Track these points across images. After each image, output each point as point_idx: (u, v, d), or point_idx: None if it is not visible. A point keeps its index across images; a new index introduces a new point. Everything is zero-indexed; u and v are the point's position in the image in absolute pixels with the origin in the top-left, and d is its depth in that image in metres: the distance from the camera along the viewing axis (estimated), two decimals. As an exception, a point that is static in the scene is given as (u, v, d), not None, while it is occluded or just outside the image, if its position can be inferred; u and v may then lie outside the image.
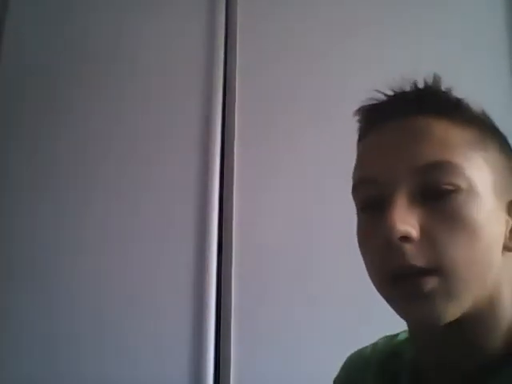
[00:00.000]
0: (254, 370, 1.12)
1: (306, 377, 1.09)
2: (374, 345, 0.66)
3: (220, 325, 1.16)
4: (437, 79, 0.53)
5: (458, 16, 1.36)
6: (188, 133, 1.28)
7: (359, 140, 0.55)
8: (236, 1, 1.35)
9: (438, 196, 0.47)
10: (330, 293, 1.14)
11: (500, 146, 0.52)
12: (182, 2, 1.38)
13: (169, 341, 1.15)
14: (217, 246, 1.20)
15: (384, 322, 0.94)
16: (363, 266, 0.52)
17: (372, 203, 0.50)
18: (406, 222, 0.46)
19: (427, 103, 0.50)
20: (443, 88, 0.53)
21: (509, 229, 0.50)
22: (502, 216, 0.49)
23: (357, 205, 0.53)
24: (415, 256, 0.46)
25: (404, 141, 0.49)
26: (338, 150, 1.14)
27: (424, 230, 0.46)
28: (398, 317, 0.50)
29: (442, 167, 0.47)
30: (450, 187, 0.47)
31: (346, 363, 0.69)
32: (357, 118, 0.55)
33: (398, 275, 0.47)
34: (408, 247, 0.46)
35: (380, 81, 0.54)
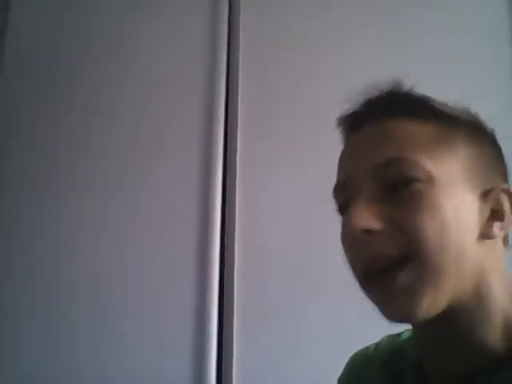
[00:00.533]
0: (256, 369, 1.12)
1: (308, 376, 1.09)
2: (377, 344, 0.66)
3: (222, 325, 1.16)
4: (398, 82, 0.56)
5: (458, 15, 1.36)
6: (190, 133, 1.28)
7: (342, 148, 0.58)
8: (239, 0, 1.35)
9: (398, 189, 0.49)
10: (331, 292, 1.14)
11: (473, 137, 0.53)
12: (184, 2, 1.38)
13: (170, 341, 1.15)
14: (219, 245, 1.20)
15: (385, 322, 0.94)
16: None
17: (344, 205, 0.53)
18: (366, 216, 0.48)
19: (389, 106, 0.53)
20: (405, 89, 0.55)
21: (485, 217, 0.50)
22: (475, 204, 0.50)
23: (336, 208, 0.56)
24: (382, 246, 0.48)
25: (367, 143, 0.52)
26: (339, 149, 1.16)
27: (389, 222, 0.48)
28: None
29: (399, 162, 0.49)
30: (408, 179, 0.49)
31: (349, 363, 0.69)
32: (340, 129, 0.59)
33: (370, 272, 0.49)
34: (372, 239, 0.48)
35: (380, 80, 0.56)
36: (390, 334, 0.65)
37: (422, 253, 0.47)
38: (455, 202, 0.49)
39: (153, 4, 1.37)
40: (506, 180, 0.55)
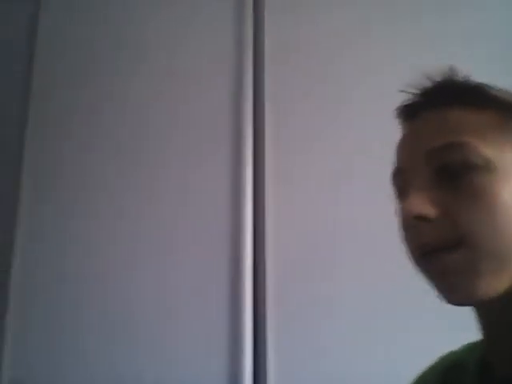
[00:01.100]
0: (292, 371, 1.12)
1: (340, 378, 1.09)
2: (432, 365, 0.65)
3: (257, 323, 1.15)
4: (453, 70, 0.56)
5: (476, 14, 1.34)
6: (218, 136, 1.29)
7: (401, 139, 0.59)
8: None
9: (455, 175, 0.50)
10: (361, 292, 1.14)
11: None
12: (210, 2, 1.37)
13: (206, 344, 1.16)
14: (251, 246, 1.20)
15: (424, 325, 0.90)
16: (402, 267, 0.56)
17: (401, 191, 0.55)
18: (421, 203, 0.49)
19: (446, 95, 0.53)
20: (460, 77, 0.56)
21: None
22: None
23: (394, 193, 0.57)
24: (436, 234, 0.49)
25: (424, 130, 0.53)
26: (371, 149, 1.18)
27: (444, 209, 0.49)
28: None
29: (456, 147, 0.50)
30: (465, 165, 0.49)
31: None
32: (399, 120, 0.59)
33: (425, 253, 0.50)
34: (426, 226, 0.49)
35: (433, 69, 0.57)
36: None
37: (475, 242, 0.48)
38: None
39: (178, 4, 1.38)
40: None
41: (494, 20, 1.32)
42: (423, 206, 0.49)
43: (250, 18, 1.34)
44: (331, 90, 1.27)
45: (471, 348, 0.59)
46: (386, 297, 1.10)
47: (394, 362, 1.04)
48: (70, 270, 1.28)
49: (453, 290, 0.48)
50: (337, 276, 1.15)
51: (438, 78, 0.55)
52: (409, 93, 0.57)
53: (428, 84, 0.56)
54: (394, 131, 0.57)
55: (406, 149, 0.55)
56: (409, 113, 0.57)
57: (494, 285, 0.47)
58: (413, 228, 0.50)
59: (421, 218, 0.49)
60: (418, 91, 0.56)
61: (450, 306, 0.50)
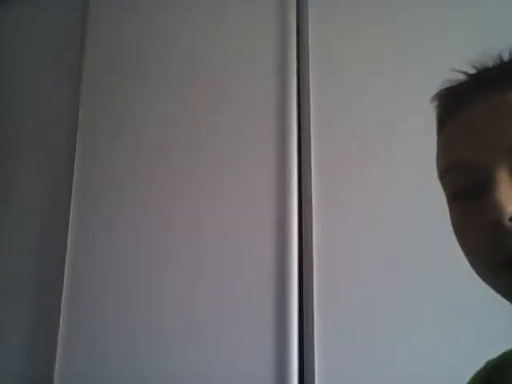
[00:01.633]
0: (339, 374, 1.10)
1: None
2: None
3: (302, 321, 1.15)
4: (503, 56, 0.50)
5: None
6: (263, 134, 1.29)
7: (441, 126, 0.53)
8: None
9: None
10: (412, 293, 1.10)
11: None
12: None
13: (252, 340, 1.16)
14: (297, 242, 1.19)
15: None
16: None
17: (465, 190, 0.48)
18: None
19: (507, 78, 0.47)
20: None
21: None
22: None
23: (447, 193, 0.51)
24: None
25: (494, 120, 0.46)
26: (420, 144, 1.13)
27: None
28: None
29: None
30: None
31: None
32: (435, 104, 0.53)
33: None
34: None
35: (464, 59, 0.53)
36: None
37: None
38: None
39: (222, 3, 1.39)
40: None
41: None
42: None
43: (293, 17, 1.33)
44: (378, 87, 1.23)
45: None
46: (439, 297, 1.06)
47: (444, 362, 1.01)
48: (118, 273, 1.33)
49: None
50: (387, 276, 1.11)
51: (504, 58, 0.49)
52: (463, 73, 0.51)
53: (489, 64, 0.50)
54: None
55: (472, 141, 0.47)
56: (461, 97, 0.50)
57: None
58: (505, 231, 0.43)
59: None
60: (475, 71, 0.51)
61: (500, 309, 0.47)
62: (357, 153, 1.20)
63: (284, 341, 1.14)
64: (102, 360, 1.28)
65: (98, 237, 1.37)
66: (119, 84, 1.43)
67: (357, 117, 1.23)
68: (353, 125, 1.22)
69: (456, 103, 0.50)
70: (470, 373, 0.57)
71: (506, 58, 0.50)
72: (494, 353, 0.56)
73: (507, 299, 0.46)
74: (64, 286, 1.35)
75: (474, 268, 0.48)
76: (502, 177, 0.44)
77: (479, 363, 0.57)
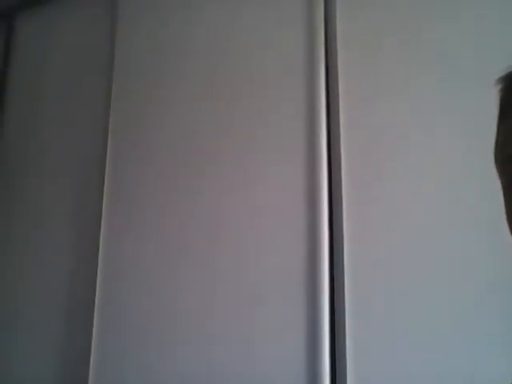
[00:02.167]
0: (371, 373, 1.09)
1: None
2: None
3: (334, 327, 1.14)
4: None
5: None
6: (292, 134, 1.28)
7: (505, 111, 0.49)
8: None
9: None
10: (453, 290, 1.07)
11: None
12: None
13: (284, 345, 1.16)
14: (328, 248, 1.18)
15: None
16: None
17: None
18: None
19: None
20: None
21: None
22: None
23: (505, 181, 0.49)
24: None
25: None
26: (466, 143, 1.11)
27: None
28: None
29: None
30: None
31: None
32: (499, 88, 0.49)
33: None
34: None
35: None
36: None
37: None
38: None
39: (250, 4, 1.40)
40: None
41: None
42: None
43: (321, 15, 1.32)
44: (407, 85, 1.19)
45: None
46: (475, 296, 1.04)
47: (473, 365, 0.99)
48: (147, 274, 1.35)
49: None
50: (418, 275, 1.09)
51: None
52: None
53: None
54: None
55: None
56: None
57: None
58: None
59: None
60: None
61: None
62: (387, 150, 1.18)
63: (315, 340, 1.13)
64: (136, 359, 1.30)
65: (127, 238, 1.39)
66: (149, 85, 1.46)
67: (386, 110, 1.20)
68: (382, 118, 1.20)
69: None
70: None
71: None
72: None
73: None
74: (97, 288, 1.38)
75: None
76: None
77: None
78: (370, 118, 1.21)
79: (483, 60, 1.12)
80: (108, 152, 1.47)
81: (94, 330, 1.35)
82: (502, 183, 0.50)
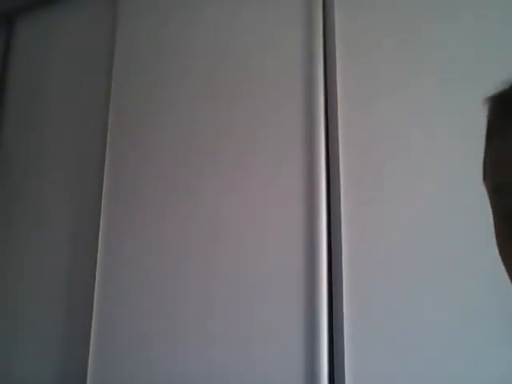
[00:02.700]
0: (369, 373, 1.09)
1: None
2: None
3: (332, 326, 1.14)
4: None
5: None
6: (290, 135, 1.28)
7: (492, 133, 0.47)
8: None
9: None
10: (453, 290, 1.07)
11: None
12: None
13: (282, 344, 1.16)
14: (326, 248, 1.18)
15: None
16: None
17: None
18: None
19: None
20: None
21: None
22: None
23: (497, 211, 0.47)
24: None
25: None
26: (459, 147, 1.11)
27: None
28: None
29: None
30: None
31: None
32: (486, 109, 0.47)
33: None
34: None
35: None
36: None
37: None
38: None
39: (249, 5, 1.40)
40: None
41: None
42: None
43: (320, 15, 1.32)
44: (406, 85, 1.18)
45: None
46: (469, 300, 1.03)
47: (473, 365, 0.99)
48: (146, 273, 1.35)
49: None
50: (417, 274, 1.08)
51: None
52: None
53: None
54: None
55: None
56: None
57: None
58: None
59: None
60: None
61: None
62: (386, 150, 1.18)
63: (313, 340, 1.13)
64: (135, 359, 1.29)
65: (127, 238, 1.40)
66: (148, 85, 1.46)
67: (385, 111, 1.20)
68: (381, 118, 1.20)
69: None
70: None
71: None
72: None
73: None
74: (96, 288, 1.39)
75: None
76: None
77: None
78: (368, 117, 1.21)
79: (483, 60, 1.12)
80: (107, 152, 1.47)
81: (92, 330, 1.35)
82: (492, 205, 0.49)
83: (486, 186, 0.48)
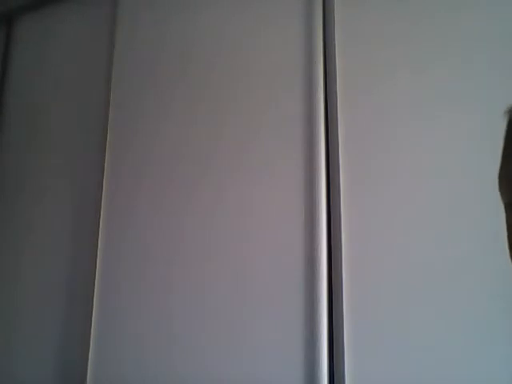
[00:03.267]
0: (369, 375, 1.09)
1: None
2: None
3: (332, 326, 1.14)
4: None
5: None
6: (290, 134, 1.28)
7: (509, 150, 0.49)
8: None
9: None
10: (454, 288, 1.07)
11: None
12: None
13: (282, 347, 1.16)
14: (326, 248, 1.18)
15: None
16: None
17: None
18: None
19: None
20: None
21: None
22: None
23: (506, 203, 0.48)
24: None
25: None
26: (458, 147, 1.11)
27: None
28: None
29: None
30: None
31: None
32: (506, 120, 0.48)
33: None
34: None
35: None
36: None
37: None
38: None
39: (251, 5, 1.40)
40: None
41: None
42: None
43: (320, 15, 1.32)
44: (406, 85, 1.18)
45: None
46: (469, 299, 1.03)
47: (472, 365, 0.99)
48: (149, 273, 1.35)
49: None
50: (418, 271, 1.08)
51: None
52: None
53: None
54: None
55: None
56: None
57: None
58: None
59: None
60: None
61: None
62: (384, 139, 1.18)
63: (313, 341, 1.13)
64: (133, 360, 1.29)
65: (126, 238, 1.40)
66: (148, 85, 1.47)
67: (384, 101, 1.20)
68: (381, 117, 1.20)
69: None
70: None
71: None
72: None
73: None
74: (95, 288, 1.39)
75: None
76: None
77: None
78: (368, 117, 1.21)
79: (483, 60, 1.12)
80: (107, 152, 1.47)
81: (92, 329, 1.35)
82: (503, 201, 0.49)
83: (501, 197, 0.49)
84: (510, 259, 0.47)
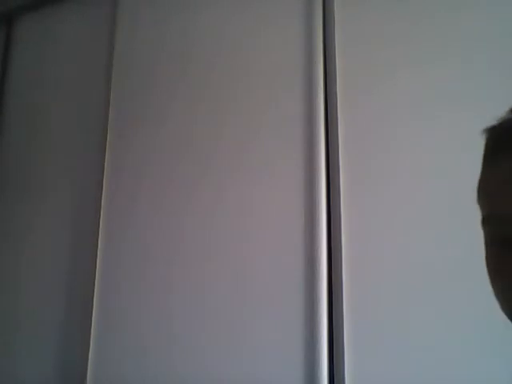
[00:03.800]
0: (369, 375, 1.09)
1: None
2: None
3: (332, 327, 1.14)
4: None
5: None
6: (290, 135, 1.28)
7: (488, 163, 0.47)
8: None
9: None
10: (455, 288, 1.07)
11: None
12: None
13: (282, 348, 1.16)
14: (326, 248, 1.18)
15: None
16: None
17: (508, 240, 0.43)
18: None
19: None
20: None
21: None
22: None
23: (487, 236, 0.48)
24: None
25: None
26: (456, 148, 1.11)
27: None
28: None
29: None
30: None
31: None
32: (485, 137, 0.47)
33: None
34: None
35: None
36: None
37: None
38: None
39: (251, 5, 1.40)
40: None
41: None
42: None
43: (320, 15, 1.32)
44: (406, 85, 1.18)
45: None
46: (469, 300, 1.03)
47: (472, 365, 0.99)
48: (149, 274, 1.35)
49: None
50: (418, 271, 1.08)
51: None
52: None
53: None
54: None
55: None
56: None
57: None
58: None
59: None
60: None
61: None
62: (384, 139, 1.18)
63: (313, 341, 1.13)
64: (133, 360, 1.30)
65: (126, 238, 1.40)
66: (148, 85, 1.47)
67: (384, 101, 1.20)
68: (381, 117, 1.20)
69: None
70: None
71: None
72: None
73: None
74: (95, 288, 1.39)
75: (503, 310, 0.47)
76: None
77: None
78: (367, 117, 1.21)
79: (483, 60, 1.12)
80: (107, 152, 1.47)
81: (92, 329, 1.36)
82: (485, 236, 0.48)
83: (480, 209, 0.49)
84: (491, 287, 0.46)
